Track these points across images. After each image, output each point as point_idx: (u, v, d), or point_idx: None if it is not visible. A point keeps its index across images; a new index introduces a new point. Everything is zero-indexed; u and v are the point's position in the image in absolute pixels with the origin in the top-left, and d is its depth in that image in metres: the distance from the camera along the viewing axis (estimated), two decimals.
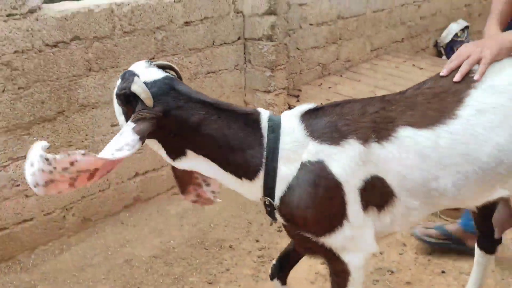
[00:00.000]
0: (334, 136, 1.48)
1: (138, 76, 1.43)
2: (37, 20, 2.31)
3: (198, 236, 2.74)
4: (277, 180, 1.50)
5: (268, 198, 1.53)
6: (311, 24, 3.73)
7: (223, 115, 1.49)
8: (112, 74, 2.64)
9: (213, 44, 3.09)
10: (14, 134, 2.37)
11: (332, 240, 1.54)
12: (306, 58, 3.82)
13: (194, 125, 1.46)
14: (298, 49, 3.70)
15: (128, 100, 1.44)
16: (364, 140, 1.47)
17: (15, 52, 2.28)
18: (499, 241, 2.01)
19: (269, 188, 1.52)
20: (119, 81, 1.48)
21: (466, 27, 5.26)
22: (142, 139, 1.36)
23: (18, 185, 2.44)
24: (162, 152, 1.54)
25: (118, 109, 1.51)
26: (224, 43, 3.13)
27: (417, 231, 2.57)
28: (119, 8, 2.58)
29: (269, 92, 3.24)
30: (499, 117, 1.46)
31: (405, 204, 1.52)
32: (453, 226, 2.55)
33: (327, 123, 1.50)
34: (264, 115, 1.52)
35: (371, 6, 4.26)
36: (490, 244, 2.02)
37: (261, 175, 1.52)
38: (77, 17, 2.44)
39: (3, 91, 2.29)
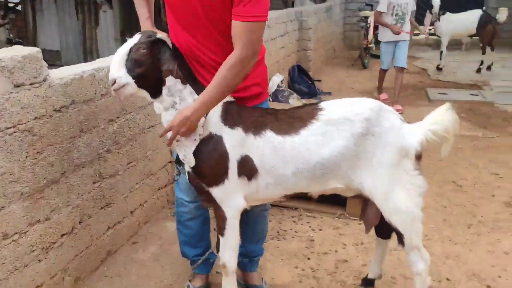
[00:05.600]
0: (231, 122, 2.23)
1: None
2: (49, 87, 2.43)
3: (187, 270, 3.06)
4: None
5: None
6: None
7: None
8: (95, 134, 2.82)
9: None
10: (33, 198, 2.40)
11: (216, 192, 2.27)
12: None
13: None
14: None
15: (151, 47, 2.12)
16: (246, 131, 2.22)
17: (35, 118, 2.36)
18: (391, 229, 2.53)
19: None
20: (136, 37, 2.13)
21: (283, 79, 6.54)
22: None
23: (34, 251, 2.43)
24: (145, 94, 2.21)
25: (123, 59, 2.10)
26: None
27: None
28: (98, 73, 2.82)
29: None
30: (326, 139, 2.23)
31: (265, 180, 2.27)
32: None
33: (232, 113, 2.25)
34: None
35: None
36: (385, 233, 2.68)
37: None
38: (73, 83, 2.61)
39: (26, 157, 2.33)
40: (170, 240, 3.38)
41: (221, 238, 2.40)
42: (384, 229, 2.66)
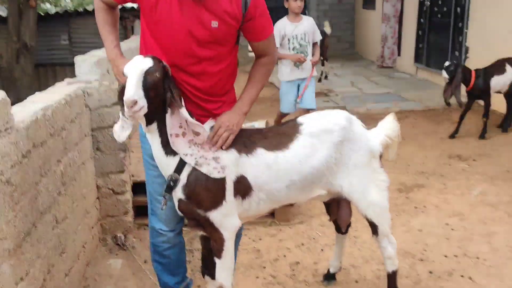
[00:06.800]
0: None
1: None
2: (17, 131, 2.23)
3: None
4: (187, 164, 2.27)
5: (176, 174, 2.27)
6: None
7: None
8: (50, 177, 2.62)
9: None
10: (16, 255, 2.17)
11: (214, 215, 2.32)
12: None
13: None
14: None
15: (162, 72, 2.12)
16: (239, 151, 2.34)
17: (11, 166, 2.15)
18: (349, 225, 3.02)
19: (180, 167, 2.27)
20: (148, 61, 2.07)
21: None
22: None
23: None
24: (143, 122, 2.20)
25: (139, 81, 2.04)
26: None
27: None
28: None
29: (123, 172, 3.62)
30: (313, 150, 2.44)
31: (257, 196, 2.39)
32: None
33: None
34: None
35: None
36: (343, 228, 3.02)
37: (177, 156, 2.25)
38: (32, 125, 2.42)
39: (9, 210, 2.10)
40: (121, 276, 3.26)
41: (217, 261, 2.45)
42: (342, 225, 2.98)
